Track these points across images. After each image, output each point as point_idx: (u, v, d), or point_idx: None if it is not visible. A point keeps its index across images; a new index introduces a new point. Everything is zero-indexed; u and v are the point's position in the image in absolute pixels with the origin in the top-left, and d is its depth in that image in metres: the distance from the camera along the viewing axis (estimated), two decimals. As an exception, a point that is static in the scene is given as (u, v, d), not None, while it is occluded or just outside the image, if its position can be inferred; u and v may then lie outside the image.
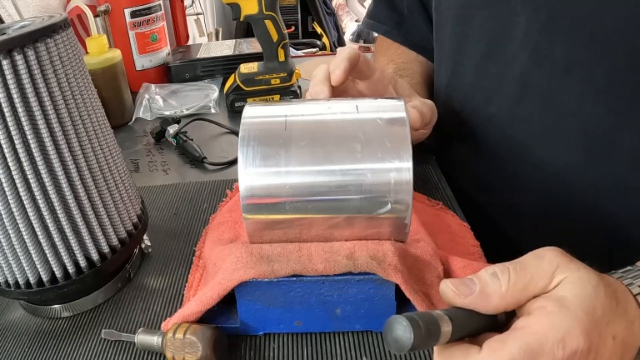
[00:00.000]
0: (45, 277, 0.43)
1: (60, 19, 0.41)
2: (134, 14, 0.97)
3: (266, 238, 0.41)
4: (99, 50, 0.82)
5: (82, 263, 0.44)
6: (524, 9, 0.53)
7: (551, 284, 0.33)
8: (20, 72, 0.37)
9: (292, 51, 1.83)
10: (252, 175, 0.39)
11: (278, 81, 0.85)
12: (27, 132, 0.38)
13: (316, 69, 0.54)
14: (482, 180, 0.64)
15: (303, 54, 2.20)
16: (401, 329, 0.29)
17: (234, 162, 0.70)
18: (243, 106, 0.44)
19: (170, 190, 0.64)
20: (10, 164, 0.38)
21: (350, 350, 0.41)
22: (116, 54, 0.84)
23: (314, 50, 2.64)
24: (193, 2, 1.68)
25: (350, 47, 0.55)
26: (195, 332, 0.39)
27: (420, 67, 0.75)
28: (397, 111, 0.41)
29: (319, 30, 2.83)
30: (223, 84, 0.97)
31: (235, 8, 0.82)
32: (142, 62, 1.00)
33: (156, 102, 0.91)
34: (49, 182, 0.40)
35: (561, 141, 0.55)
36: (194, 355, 0.38)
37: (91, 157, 0.43)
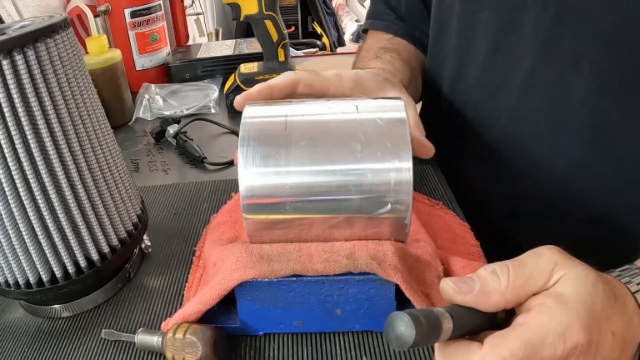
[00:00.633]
0: (45, 277, 0.43)
1: (60, 19, 0.41)
2: (134, 14, 0.97)
3: (266, 238, 0.41)
4: (99, 50, 0.82)
5: (82, 263, 0.44)
6: (533, 4, 0.53)
7: (550, 281, 0.33)
8: (20, 72, 0.37)
9: (292, 51, 1.82)
10: (252, 175, 0.39)
11: (278, 81, 0.86)
12: (27, 132, 0.38)
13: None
14: (485, 176, 0.64)
15: (303, 54, 2.20)
16: (403, 325, 0.29)
17: (233, 162, 0.70)
18: (243, 106, 0.44)
19: (170, 190, 0.64)
20: (10, 164, 0.38)
21: (350, 350, 0.41)
22: (116, 54, 0.84)
23: (314, 50, 2.64)
24: (193, 2, 1.68)
25: (286, 78, 0.49)
26: (195, 332, 0.39)
27: (408, 48, 0.74)
28: (397, 111, 0.41)
29: (319, 30, 2.83)
30: (223, 84, 0.97)
31: (235, 8, 0.82)
32: (142, 62, 1.00)
33: (156, 102, 0.91)
34: (49, 182, 0.40)
35: (567, 136, 0.55)
36: (194, 355, 0.38)
37: (91, 157, 0.43)
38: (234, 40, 1.17)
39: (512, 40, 0.56)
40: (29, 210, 0.40)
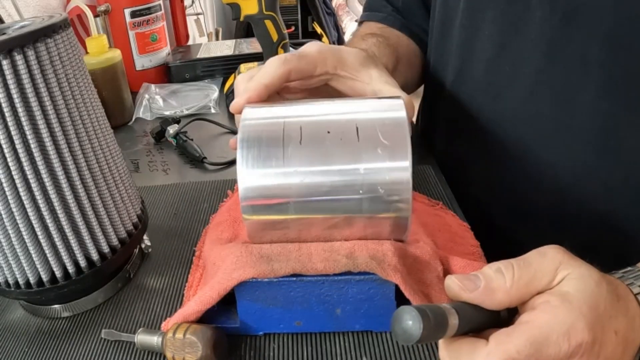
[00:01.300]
0: (45, 277, 0.43)
1: (60, 19, 0.41)
2: (134, 14, 0.97)
3: (266, 238, 0.41)
4: (99, 50, 0.82)
5: (82, 263, 0.44)
6: (540, 4, 0.52)
7: (554, 281, 0.33)
8: (20, 72, 0.37)
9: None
10: (251, 176, 0.39)
11: (278, 81, 0.85)
12: (27, 132, 0.38)
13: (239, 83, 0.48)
14: (486, 178, 0.63)
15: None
16: (410, 320, 0.30)
17: (233, 162, 0.70)
18: (243, 106, 0.44)
19: (170, 190, 0.64)
20: (10, 164, 0.38)
21: (350, 350, 0.41)
22: (116, 54, 0.84)
23: (314, 50, 2.63)
24: (193, 2, 1.68)
25: (277, 71, 0.46)
26: (195, 332, 0.39)
27: (399, 38, 0.73)
28: (396, 110, 0.41)
29: (319, 30, 2.83)
30: (223, 84, 0.97)
31: (235, 8, 0.82)
32: (142, 62, 1.00)
33: (156, 102, 0.91)
34: (49, 182, 0.40)
35: (573, 139, 0.54)
36: (194, 355, 0.38)
37: (91, 157, 0.43)
38: (234, 40, 1.17)
39: (518, 41, 0.55)
40: (29, 210, 0.40)
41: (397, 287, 0.39)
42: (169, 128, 0.77)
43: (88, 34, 0.96)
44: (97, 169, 0.43)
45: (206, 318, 0.41)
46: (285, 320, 0.41)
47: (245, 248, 0.41)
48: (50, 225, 0.41)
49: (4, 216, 0.40)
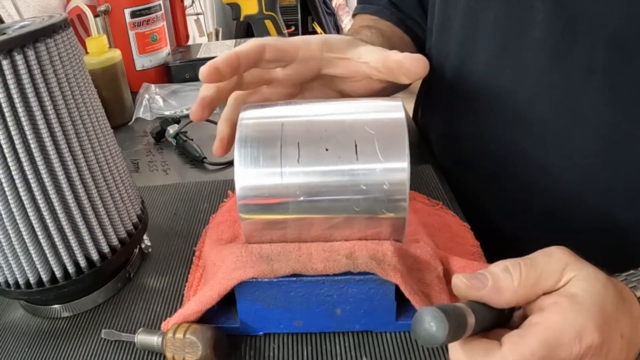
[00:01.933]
0: (45, 277, 0.43)
1: (60, 19, 0.41)
2: (134, 14, 0.97)
3: (263, 238, 0.42)
4: (99, 50, 0.82)
5: (82, 263, 0.44)
6: (544, 6, 0.51)
7: (560, 282, 0.33)
8: (20, 72, 0.37)
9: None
10: (249, 175, 0.39)
11: (278, 81, 0.85)
12: (27, 132, 0.38)
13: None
14: (487, 179, 0.63)
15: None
16: (434, 321, 0.29)
17: (233, 162, 0.70)
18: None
19: (170, 190, 0.64)
20: (10, 164, 0.38)
21: (350, 350, 0.41)
22: (116, 54, 0.84)
23: (314, 50, 2.63)
24: (193, 2, 1.68)
25: (252, 44, 0.45)
26: (196, 332, 0.39)
27: (394, 30, 0.71)
28: (394, 111, 0.41)
29: (319, 30, 2.83)
30: (223, 84, 0.97)
31: (236, 8, 0.82)
32: (142, 62, 1.00)
33: (156, 102, 0.91)
34: (48, 182, 0.40)
35: (574, 146, 0.53)
36: (194, 355, 0.38)
37: (91, 157, 0.43)
38: (234, 41, 1.17)
39: (520, 43, 0.54)
40: (29, 210, 0.40)
41: (397, 287, 0.39)
42: (169, 128, 0.77)
43: (88, 34, 0.96)
44: (97, 169, 0.43)
45: (206, 318, 0.41)
46: (285, 320, 0.41)
47: (245, 248, 0.41)
48: (50, 225, 0.41)
49: (4, 216, 0.40)
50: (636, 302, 0.35)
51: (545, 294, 0.34)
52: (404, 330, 0.42)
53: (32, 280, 0.43)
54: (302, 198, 0.39)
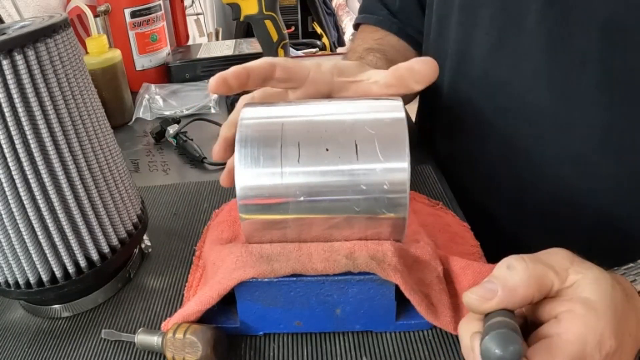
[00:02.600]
0: (45, 277, 0.43)
1: (60, 19, 0.41)
2: (134, 14, 0.97)
3: (264, 239, 0.42)
4: (99, 50, 0.82)
5: (82, 263, 0.44)
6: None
7: (567, 281, 0.33)
8: (21, 72, 0.37)
9: (292, 51, 1.82)
10: (249, 175, 0.39)
11: (278, 81, 0.85)
12: (27, 132, 0.38)
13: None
14: (487, 176, 0.63)
15: (303, 54, 2.20)
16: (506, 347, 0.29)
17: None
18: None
19: (170, 190, 0.64)
20: (10, 164, 0.38)
21: (350, 350, 0.41)
22: (116, 54, 0.84)
23: (314, 50, 2.64)
24: (193, 2, 1.68)
25: (263, 62, 0.45)
26: (196, 332, 0.39)
27: (396, 48, 0.72)
28: (394, 111, 0.40)
29: (319, 30, 2.83)
30: (223, 84, 0.97)
31: (235, 8, 0.82)
32: (142, 62, 1.00)
33: (156, 102, 0.91)
34: (49, 182, 0.40)
35: (573, 136, 0.54)
36: (194, 355, 0.38)
37: (91, 157, 0.43)
38: (234, 41, 1.17)
39: (515, 37, 0.55)
40: (29, 210, 0.40)
41: (397, 288, 0.39)
42: (169, 128, 0.77)
43: (88, 34, 0.96)
44: (97, 169, 0.43)
45: (206, 318, 0.41)
46: (285, 320, 0.41)
47: (245, 248, 0.41)
48: (50, 225, 0.41)
49: (4, 216, 0.40)
50: (638, 297, 0.35)
51: (552, 297, 0.33)
52: (404, 330, 0.42)
53: (32, 280, 0.43)
54: (302, 198, 0.39)
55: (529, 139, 0.57)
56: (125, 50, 0.95)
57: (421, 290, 0.41)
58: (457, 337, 0.39)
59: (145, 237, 0.53)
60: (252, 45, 1.10)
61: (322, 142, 0.39)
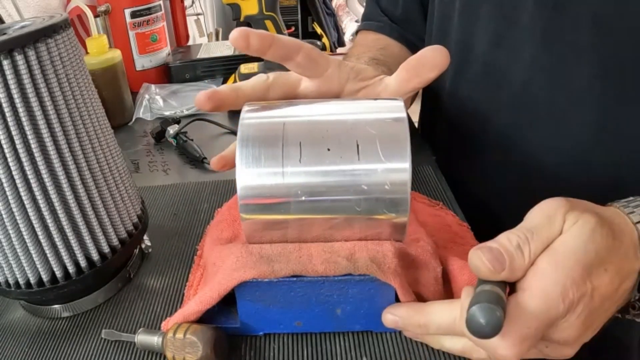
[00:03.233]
0: (45, 277, 0.43)
1: (60, 19, 0.41)
2: (134, 14, 0.97)
3: (264, 239, 0.42)
4: (99, 50, 0.82)
5: (83, 263, 0.44)
6: None
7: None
8: (21, 72, 0.37)
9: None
10: (250, 175, 0.39)
11: (278, 81, 0.85)
12: (28, 132, 0.38)
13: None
14: (487, 170, 0.64)
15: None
16: (486, 319, 0.31)
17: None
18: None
19: (170, 190, 0.64)
20: (10, 163, 0.38)
21: (350, 350, 0.41)
22: (116, 54, 0.84)
23: (313, 50, 2.63)
24: (193, 2, 1.68)
25: (256, 84, 0.46)
26: (196, 332, 0.39)
27: (399, 59, 0.73)
28: (396, 112, 0.40)
29: (319, 30, 2.83)
30: (223, 84, 0.97)
31: (236, 8, 0.82)
32: (142, 62, 1.00)
33: (156, 103, 0.91)
34: (49, 182, 0.40)
35: (570, 125, 0.56)
36: (194, 355, 0.38)
37: (91, 157, 0.43)
38: (234, 41, 1.17)
39: (513, 32, 0.57)
40: (29, 210, 0.40)
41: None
42: (169, 128, 0.77)
43: (88, 34, 0.96)
44: (97, 169, 0.43)
45: (206, 318, 0.41)
46: (286, 320, 0.41)
47: (245, 248, 0.41)
48: (50, 225, 0.41)
49: (4, 216, 0.40)
50: (631, 230, 0.37)
51: None
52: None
53: (32, 280, 0.43)
54: (303, 198, 0.39)
55: (528, 130, 0.59)
56: (126, 51, 0.95)
57: (414, 289, 0.41)
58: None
59: (145, 237, 0.53)
60: (252, 45, 1.10)
61: (324, 142, 0.39)
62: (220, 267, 0.41)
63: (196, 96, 0.44)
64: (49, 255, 0.42)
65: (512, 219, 0.64)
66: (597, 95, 0.54)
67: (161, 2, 1.02)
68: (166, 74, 1.02)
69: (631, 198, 0.39)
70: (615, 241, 0.36)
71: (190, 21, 1.63)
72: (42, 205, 0.40)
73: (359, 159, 0.38)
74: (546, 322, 0.33)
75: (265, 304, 0.41)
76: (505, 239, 0.35)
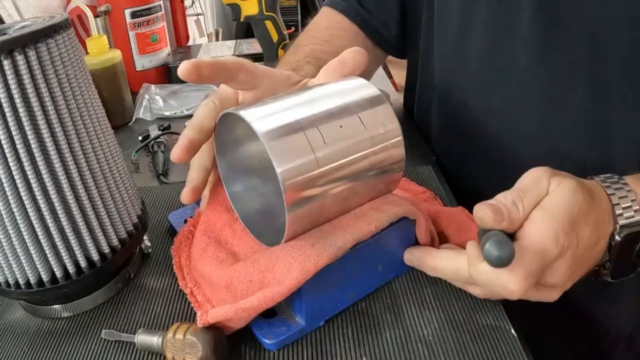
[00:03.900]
0: (45, 277, 0.43)
1: (61, 20, 0.41)
2: (134, 15, 0.97)
3: (301, 229, 0.42)
4: (99, 50, 0.82)
5: (83, 263, 0.44)
6: (529, 4, 0.54)
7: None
8: (21, 72, 0.37)
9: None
10: (289, 169, 0.39)
11: (278, 82, 0.85)
12: (28, 132, 0.38)
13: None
14: (480, 176, 0.64)
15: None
16: (500, 249, 0.36)
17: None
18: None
19: (170, 190, 0.64)
20: (11, 163, 0.38)
21: (350, 350, 0.41)
22: (116, 55, 0.84)
23: (313, 50, 2.63)
24: (193, 2, 1.68)
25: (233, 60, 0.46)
26: (196, 333, 0.39)
27: (351, 43, 0.69)
28: (367, 88, 0.45)
29: (318, 30, 2.83)
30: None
31: (236, 9, 0.82)
32: (142, 62, 1.01)
33: (156, 103, 0.91)
34: (49, 182, 0.40)
35: (563, 136, 0.57)
36: (194, 356, 0.38)
37: (92, 157, 0.43)
38: (234, 41, 1.17)
39: (509, 39, 0.57)
40: (29, 210, 0.40)
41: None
42: (151, 132, 0.77)
43: (88, 34, 0.96)
44: (97, 169, 0.43)
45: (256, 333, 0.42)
46: (343, 297, 0.44)
47: (292, 245, 0.41)
48: (50, 225, 0.41)
49: (4, 216, 0.40)
50: (605, 198, 0.42)
51: None
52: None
53: (32, 280, 0.43)
54: (338, 174, 0.41)
55: (521, 139, 0.60)
56: (126, 51, 0.95)
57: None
58: (456, 338, 0.41)
59: (145, 237, 0.53)
60: (252, 45, 1.10)
61: (335, 122, 0.42)
62: (275, 273, 0.40)
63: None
64: (49, 255, 0.42)
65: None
66: (590, 112, 0.55)
67: (161, 3, 1.02)
68: (166, 74, 1.02)
69: (610, 175, 0.44)
70: (593, 201, 0.41)
71: (190, 21, 1.63)
72: (42, 205, 0.40)
73: (365, 128, 0.43)
74: (544, 262, 0.38)
75: (330, 288, 0.42)
76: (502, 197, 0.40)
